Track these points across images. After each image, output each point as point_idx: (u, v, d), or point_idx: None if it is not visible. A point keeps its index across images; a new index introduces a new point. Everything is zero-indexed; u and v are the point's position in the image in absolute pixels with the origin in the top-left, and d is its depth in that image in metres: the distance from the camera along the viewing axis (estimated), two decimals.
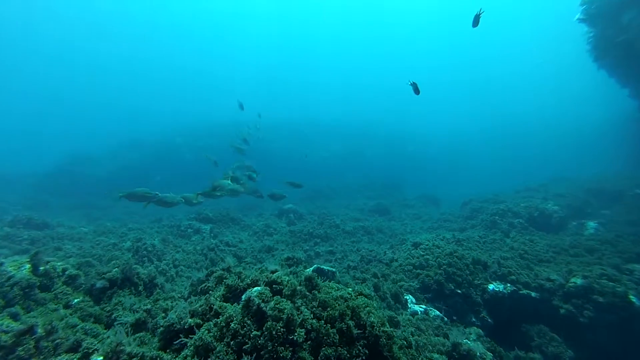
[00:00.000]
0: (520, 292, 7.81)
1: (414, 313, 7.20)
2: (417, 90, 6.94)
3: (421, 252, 9.16)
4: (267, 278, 4.12)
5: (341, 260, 10.75)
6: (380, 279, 8.01)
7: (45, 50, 65.54)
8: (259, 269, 4.04)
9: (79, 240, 13.08)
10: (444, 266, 8.37)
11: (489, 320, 7.56)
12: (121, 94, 77.22)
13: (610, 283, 7.25)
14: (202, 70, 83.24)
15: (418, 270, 8.46)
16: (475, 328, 7.41)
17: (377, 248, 11.66)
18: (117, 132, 50.54)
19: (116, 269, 5.44)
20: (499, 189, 22.84)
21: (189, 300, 4.72)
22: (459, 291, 8.09)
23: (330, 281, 5.78)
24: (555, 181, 20.53)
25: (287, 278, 4.15)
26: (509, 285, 8.00)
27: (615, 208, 16.38)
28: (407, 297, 7.66)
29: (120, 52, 71.95)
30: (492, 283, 8.10)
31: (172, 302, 5.14)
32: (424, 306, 7.51)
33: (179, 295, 5.79)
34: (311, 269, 6.28)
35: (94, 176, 34.34)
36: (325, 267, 6.24)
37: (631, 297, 6.93)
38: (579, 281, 7.49)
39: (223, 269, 5.76)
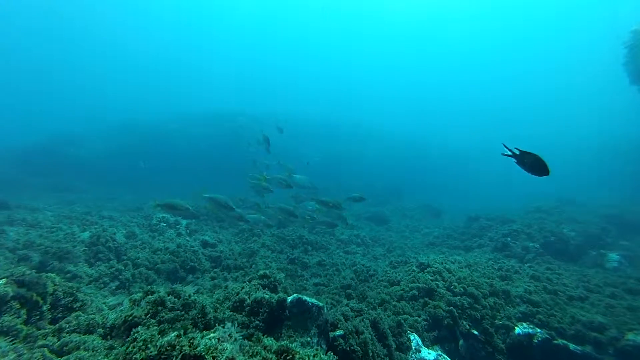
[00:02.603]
0: (554, 341, 6.20)
1: None
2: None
3: (429, 277, 7.53)
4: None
5: (332, 276, 9.08)
6: (379, 310, 6.36)
7: (41, 25, 63.16)
8: (189, 338, 2.29)
9: (33, 226, 11.27)
10: (458, 296, 6.75)
11: None
12: (116, 75, 74.92)
13: None
14: (199, 61, 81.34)
15: (426, 299, 6.82)
16: None
17: (374, 265, 10.02)
18: (109, 114, 48.65)
19: (2, 279, 3.71)
20: (504, 205, 21.39)
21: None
22: (475, 332, 6.46)
23: (313, 331, 4.15)
24: (566, 203, 19.07)
25: None
26: (538, 330, 6.38)
27: (636, 240, 14.94)
28: (412, 337, 6.02)
29: (116, 33, 69.66)
30: (518, 325, 6.49)
31: (78, 339, 3.44)
32: (433, 353, 5.86)
33: (102, 320, 4.07)
34: (290, 299, 4.61)
35: (78, 157, 32.48)
36: (309, 300, 4.57)
37: None
38: (639, 339, 5.90)
39: (167, 293, 4.09)
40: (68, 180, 25.78)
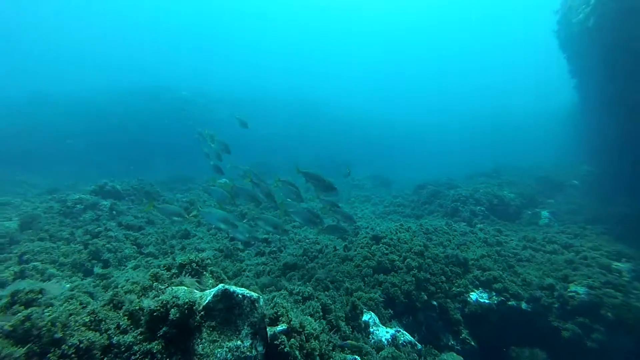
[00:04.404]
0: (509, 302, 5.99)
1: (379, 344, 4.89)
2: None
3: (384, 249, 6.89)
4: None
5: (277, 253, 8.10)
6: (332, 290, 5.54)
7: None
8: None
9: None
10: (414, 270, 6.21)
11: (472, 343, 5.62)
12: (21, 35, 62.17)
13: (618, 293, 5.75)
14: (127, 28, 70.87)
15: (381, 276, 6.16)
16: (455, 355, 5.39)
17: (323, 238, 9.22)
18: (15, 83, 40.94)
19: None
20: (447, 173, 22.09)
21: None
22: (434, 302, 6.01)
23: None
24: (504, 168, 20.19)
25: None
26: (494, 294, 6.13)
27: (558, 197, 16.28)
28: (369, 316, 5.33)
29: None
30: (474, 291, 6.16)
31: None
32: (390, 330, 5.24)
33: None
34: (214, 292, 3.50)
35: None
36: (238, 291, 3.49)
37: None
38: (581, 290, 5.88)
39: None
40: None
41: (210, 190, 6.71)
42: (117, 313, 3.16)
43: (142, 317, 3.04)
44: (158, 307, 3.03)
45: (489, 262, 7.12)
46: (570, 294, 5.89)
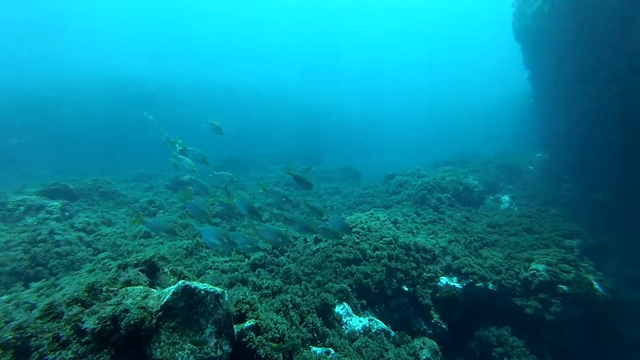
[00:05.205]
0: (477, 284, 6.16)
1: (352, 335, 4.81)
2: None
3: (355, 238, 6.83)
4: None
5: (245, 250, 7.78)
6: (304, 282, 5.37)
7: None
8: None
9: None
10: (385, 259, 6.19)
11: (443, 326, 5.71)
12: None
13: (572, 268, 6.10)
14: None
15: (352, 267, 6.08)
16: (427, 340, 5.44)
17: (291, 231, 9.02)
18: None
19: None
20: (415, 162, 22.67)
21: None
22: (405, 289, 6.04)
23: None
24: (469, 157, 21.02)
25: None
26: (463, 278, 6.27)
27: (517, 183, 17.21)
28: (341, 307, 5.23)
29: None
30: (444, 276, 6.27)
31: None
32: (364, 319, 5.18)
33: None
34: (173, 289, 3.21)
35: None
36: (200, 287, 3.22)
37: (595, 285, 5.84)
38: (541, 267, 6.17)
39: None
40: None
41: (186, 206, 6.19)
42: (57, 323, 2.77)
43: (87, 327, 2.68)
44: (106, 315, 2.68)
45: (457, 247, 7.30)
46: (531, 271, 6.17)
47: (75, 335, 2.50)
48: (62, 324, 2.53)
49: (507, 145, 25.04)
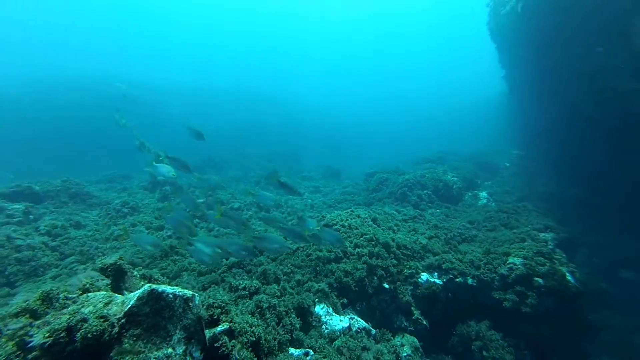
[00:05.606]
0: (457, 280, 6.20)
1: (332, 334, 4.71)
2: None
3: None
4: None
5: None
6: (283, 282, 5.21)
7: None
8: None
9: None
10: (365, 256, 6.13)
11: (424, 322, 5.71)
12: None
13: (546, 260, 6.24)
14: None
15: (332, 265, 5.98)
16: (408, 336, 5.42)
17: (273, 230, 8.85)
18: None
19: None
20: (396, 160, 22.89)
21: None
22: (386, 286, 6.00)
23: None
24: (448, 154, 21.39)
25: None
26: (443, 273, 6.30)
27: (494, 179, 17.64)
28: (321, 306, 5.12)
29: None
30: (424, 272, 6.28)
31: None
32: (344, 318, 5.09)
33: None
34: (136, 296, 2.99)
35: None
36: (168, 290, 3.03)
37: (567, 276, 6.00)
38: (517, 261, 6.28)
39: None
40: None
41: (167, 219, 5.91)
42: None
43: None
44: (60, 327, 2.45)
45: (437, 244, 7.34)
46: (509, 265, 6.27)
47: (19, 352, 2.26)
48: (3, 340, 2.28)
49: (487, 144, 25.65)
